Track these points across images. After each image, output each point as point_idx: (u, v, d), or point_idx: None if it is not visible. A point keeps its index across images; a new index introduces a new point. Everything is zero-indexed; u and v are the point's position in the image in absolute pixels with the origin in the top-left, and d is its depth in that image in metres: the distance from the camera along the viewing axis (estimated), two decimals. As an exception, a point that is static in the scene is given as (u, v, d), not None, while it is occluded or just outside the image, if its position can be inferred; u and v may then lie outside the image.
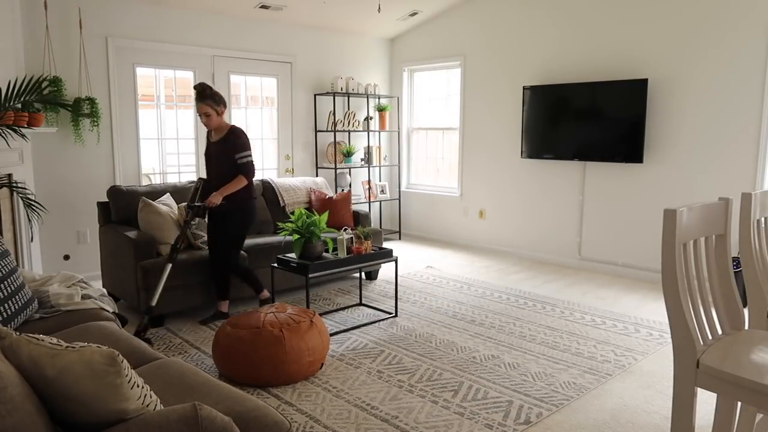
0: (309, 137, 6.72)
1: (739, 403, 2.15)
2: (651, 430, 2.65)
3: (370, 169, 7.24)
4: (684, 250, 1.88)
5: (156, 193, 4.54)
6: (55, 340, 1.41)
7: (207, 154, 4.09)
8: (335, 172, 6.54)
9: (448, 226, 6.98)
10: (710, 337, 1.97)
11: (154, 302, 3.70)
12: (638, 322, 4.10)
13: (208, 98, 3.86)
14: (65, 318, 2.62)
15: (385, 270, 5.58)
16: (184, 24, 5.55)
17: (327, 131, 6.73)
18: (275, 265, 4.00)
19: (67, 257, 5.08)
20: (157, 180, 5.63)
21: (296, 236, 3.85)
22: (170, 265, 3.77)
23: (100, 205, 4.49)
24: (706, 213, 1.99)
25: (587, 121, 5.40)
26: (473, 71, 6.50)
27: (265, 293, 4.23)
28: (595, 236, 5.62)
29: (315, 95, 6.63)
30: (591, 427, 2.66)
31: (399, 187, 7.45)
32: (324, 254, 4.05)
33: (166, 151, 5.65)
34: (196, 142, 5.81)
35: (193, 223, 4.19)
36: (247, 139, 4.02)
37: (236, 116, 6.12)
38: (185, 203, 4.36)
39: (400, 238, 7.32)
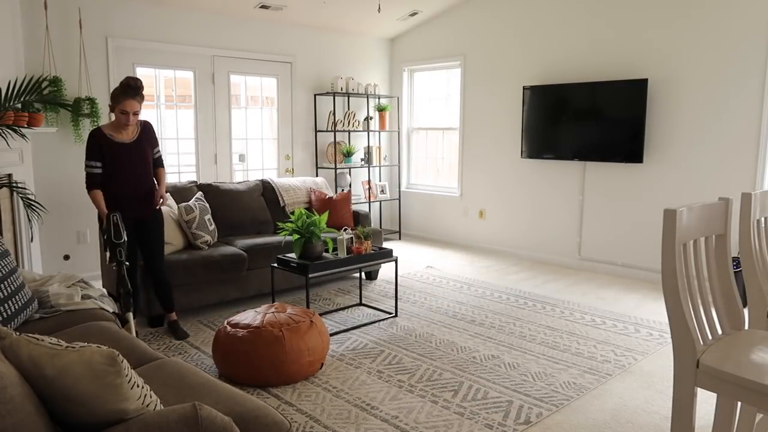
0: (309, 137, 6.72)
1: (739, 403, 2.15)
2: (651, 430, 2.65)
3: (370, 169, 7.24)
4: (684, 250, 1.88)
5: (156, 193, 4.53)
6: (55, 340, 1.41)
7: (117, 162, 3.48)
8: (335, 172, 6.54)
9: (448, 226, 6.98)
10: (710, 337, 1.97)
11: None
12: (638, 322, 4.10)
13: (140, 94, 3.45)
14: (65, 318, 2.62)
15: (385, 270, 5.58)
16: (184, 24, 5.55)
17: (327, 131, 6.73)
18: (275, 265, 4.00)
19: (67, 257, 5.08)
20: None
21: (296, 236, 3.85)
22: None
23: (100, 205, 4.48)
24: (706, 213, 1.99)
25: (587, 121, 5.40)
26: (473, 71, 6.50)
27: (174, 315, 3.85)
28: (595, 236, 5.62)
29: (315, 95, 6.63)
30: (591, 427, 2.66)
31: (399, 187, 7.45)
32: (324, 254, 4.05)
33: (166, 151, 5.65)
34: (195, 142, 5.81)
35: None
36: None
37: (236, 116, 6.12)
38: (184, 203, 4.35)
39: (400, 238, 7.32)
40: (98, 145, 3.45)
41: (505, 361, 3.41)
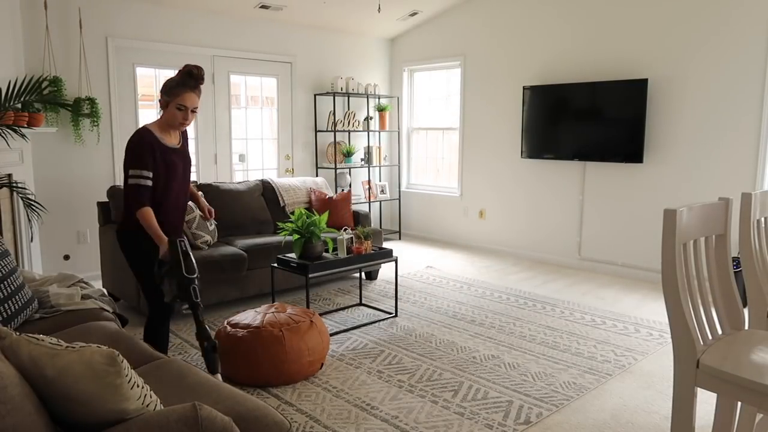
0: (309, 137, 6.72)
1: (739, 403, 2.15)
2: (651, 430, 2.65)
3: (370, 169, 7.24)
4: (684, 250, 1.88)
5: (156, 193, 4.53)
6: (55, 340, 1.41)
7: (172, 167, 2.82)
8: (335, 172, 6.54)
9: (448, 226, 6.98)
10: (710, 337, 1.97)
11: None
12: (638, 322, 4.10)
13: (200, 87, 2.81)
14: (65, 318, 2.62)
15: (385, 270, 5.58)
16: (184, 24, 5.55)
17: (327, 131, 6.73)
18: (275, 265, 4.00)
19: (67, 257, 5.08)
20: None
21: (296, 236, 3.85)
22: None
23: (100, 205, 4.49)
24: (706, 213, 1.99)
25: (587, 121, 5.40)
26: (473, 71, 6.50)
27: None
28: (595, 236, 5.62)
29: (315, 95, 6.63)
30: (591, 427, 2.66)
31: (399, 187, 7.45)
32: (324, 254, 4.05)
33: (166, 151, 5.65)
34: (195, 142, 5.81)
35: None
36: None
37: (236, 116, 6.12)
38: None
39: (400, 238, 7.32)
40: (152, 151, 2.71)
41: (505, 361, 3.41)
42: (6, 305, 2.37)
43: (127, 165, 2.71)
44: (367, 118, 6.94)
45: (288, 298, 4.70)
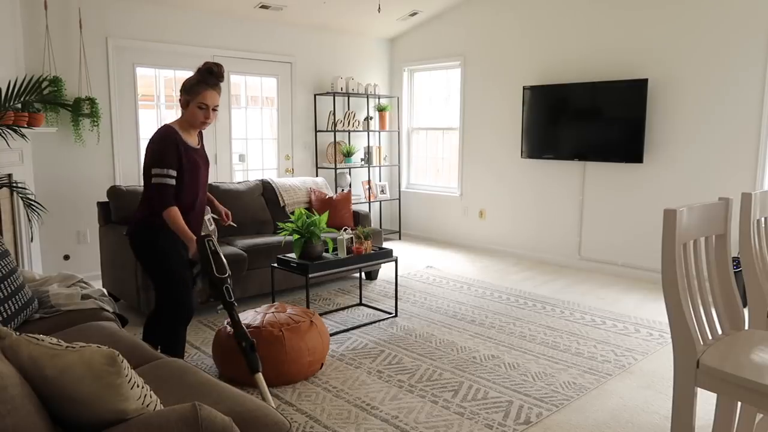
0: (309, 137, 6.72)
1: (739, 403, 2.15)
2: (651, 430, 2.65)
3: (370, 169, 7.24)
4: (684, 250, 1.88)
5: (156, 193, 4.53)
6: (55, 340, 1.41)
7: (195, 167, 2.79)
8: (335, 172, 6.54)
9: (448, 226, 6.98)
10: (710, 337, 1.97)
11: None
12: (638, 322, 4.10)
13: (220, 85, 2.78)
14: (65, 318, 2.62)
15: (385, 270, 5.58)
16: (184, 24, 5.55)
17: (327, 131, 6.73)
18: (275, 265, 4.00)
19: (67, 257, 5.08)
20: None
21: (296, 236, 3.85)
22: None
23: (100, 205, 4.49)
24: (706, 213, 1.99)
25: (587, 121, 5.40)
26: (473, 71, 6.50)
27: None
28: (595, 236, 5.62)
29: (315, 95, 6.63)
30: (591, 427, 2.66)
31: (399, 187, 7.45)
32: (324, 254, 4.05)
33: (166, 151, 5.65)
34: (196, 142, 5.81)
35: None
36: None
37: (236, 116, 6.12)
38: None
39: (400, 238, 7.31)
40: (175, 149, 2.67)
41: (505, 361, 3.41)
42: (6, 305, 2.37)
43: (151, 164, 2.65)
44: (367, 118, 6.94)
45: (288, 298, 4.70)
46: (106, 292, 3.47)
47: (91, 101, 4.88)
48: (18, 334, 1.43)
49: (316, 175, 6.82)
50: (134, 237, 2.79)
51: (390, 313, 4.27)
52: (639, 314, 4.29)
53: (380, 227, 7.50)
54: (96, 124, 4.94)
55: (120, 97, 5.25)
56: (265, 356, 2.99)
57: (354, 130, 6.74)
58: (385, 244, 6.73)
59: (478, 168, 6.58)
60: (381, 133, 7.37)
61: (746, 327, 2.18)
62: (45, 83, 4.43)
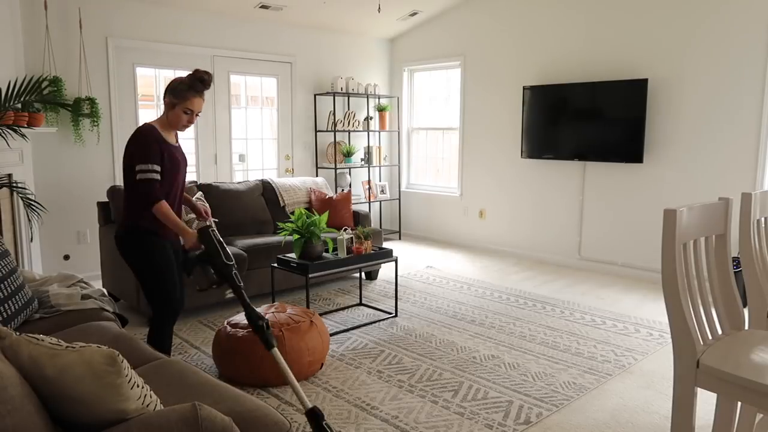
0: (309, 137, 6.72)
1: (739, 403, 2.15)
2: (651, 430, 2.65)
3: (370, 169, 7.24)
4: (684, 250, 1.88)
5: (156, 193, 4.53)
6: (55, 340, 1.41)
7: (176, 164, 2.84)
8: (335, 172, 6.54)
9: (448, 226, 6.98)
10: (710, 337, 1.97)
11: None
12: (638, 322, 4.10)
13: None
14: (65, 318, 2.62)
15: (385, 270, 5.58)
16: (184, 24, 5.55)
17: (327, 131, 6.73)
18: (275, 265, 4.00)
19: (67, 257, 5.08)
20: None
21: (296, 236, 3.85)
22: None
23: (100, 205, 4.49)
24: (706, 213, 1.99)
25: (587, 121, 5.40)
26: (473, 71, 6.50)
27: None
28: (595, 236, 5.62)
29: (315, 95, 6.63)
30: (591, 427, 2.66)
31: (399, 187, 7.45)
32: (324, 254, 4.05)
33: (166, 151, 5.65)
34: (195, 142, 5.81)
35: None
36: None
37: (236, 116, 6.12)
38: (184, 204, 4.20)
39: (400, 238, 7.32)
40: (158, 146, 2.73)
41: (505, 361, 3.41)
42: (6, 305, 2.37)
43: (135, 160, 2.69)
44: (367, 118, 6.94)
45: (288, 298, 4.70)
46: (106, 292, 3.47)
47: (91, 101, 4.88)
48: (18, 334, 1.43)
49: (316, 175, 6.82)
50: (121, 241, 2.82)
51: (390, 313, 4.27)
52: (639, 314, 4.29)
53: (380, 227, 7.50)
54: (96, 124, 4.94)
55: (120, 97, 5.25)
56: (264, 356, 2.99)
57: (354, 130, 6.74)
58: (385, 244, 6.73)
59: (478, 168, 6.58)
60: (381, 133, 7.37)
61: (746, 327, 2.18)
62: (45, 83, 4.43)
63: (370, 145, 7.03)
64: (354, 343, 3.68)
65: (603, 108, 5.27)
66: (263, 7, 5.72)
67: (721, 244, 2.11)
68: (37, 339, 1.40)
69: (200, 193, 4.68)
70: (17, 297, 2.47)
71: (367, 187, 7.04)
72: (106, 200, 4.80)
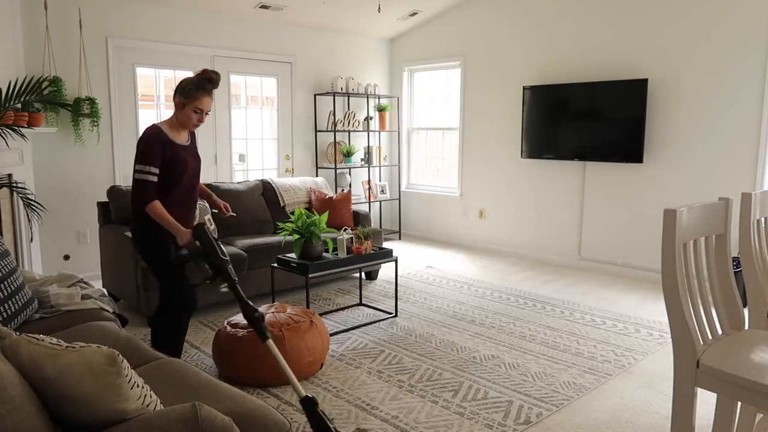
0: (309, 137, 6.72)
1: (739, 403, 2.15)
2: (651, 430, 2.65)
3: (370, 169, 7.24)
4: (684, 250, 1.88)
5: (156, 193, 4.53)
6: (55, 340, 1.41)
7: (183, 163, 2.91)
8: (335, 172, 6.54)
9: (448, 226, 6.98)
10: (710, 337, 1.97)
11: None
12: (638, 322, 4.10)
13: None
14: (65, 318, 2.62)
15: (385, 270, 5.58)
16: (183, 24, 5.55)
17: (327, 131, 6.73)
18: (275, 265, 4.00)
19: (67, 257, 5.08)
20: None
21: (296, 236, 3.85)
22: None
23: (100, 205, 4.49)
24: (706, 213, 1.99)
25: (587, 121, 5.40)
26: (473, 71, 6.50)
27: None
28: (595, 236, 5.62)
29: (315, 95, 6.63)
30: (591, 427, 2.66)
31: (399, 187, 7.45)
32: (324, 254, 4.05)
33: (166, 151, 5.65)
34: (196, 142, 5.81)
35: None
36: None
37: (236, 116, 6.12)
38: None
39: (400, 238, 7.31)
40: (161, 148, 2.79)
41: (505, 361, 3.41)
42: (6, 305, 2.37)
43: (136, 160, 2.79)
44: (367, 118, 6.94)
45: (288, 298, 4.70)
46: (106, 292, 3.47)
47: (91, 101, 4.88)
48: (18, 334, 1.43)
49: (316, 175, 6.82)
50: (136, 236, 2.90)
51: (390, 313, 4.27)
52: (639, 314, 4.29)
53: (380, 227, 7.50)
54: (96, 124, 4.94)
55: (120, 97, 5.25)
56: (264, 356, 2.99)
57: (354, 130, 6.74)
58: (385, 244, 6.73)
59: (478, 168, 6.58)
60: (381, 133, 7.37)
61: (746, 327, 2.18)
62: (45, 83, 4.43)
63: (370, 145, 7.03)
64: (354, 343, 3.68)
65: (603, 108, 5.27)
66: (263, 7, 5.72)
67: (721, 244, 2.11)
68: (37, 339, 1.40)
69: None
70: (17, 297, 2.47)
71: (367, 187, 7.04)
72: (106, 200, 4.80)
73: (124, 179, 5.32)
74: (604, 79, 5.36)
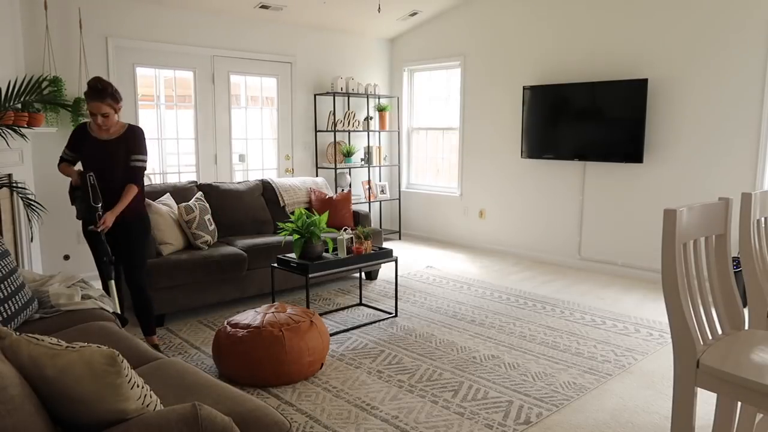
0: (309, 137, 6.72)
1: (739, 403, 2.15)
2: (651, 430, 2.65)
3: (370, 169, 7.24)
4: (684, 250, 1.88)
5: (156, 193, 4.54)
6: (55, 340, 1.41)
7: (89, 155, 3.36)
8: (335, 172, 6.54)
9: (448, 226, 6.98)
10: (710, 337, 1.97)
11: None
12: (638, 322, 4.10)
13: (108, 97, 3.26)
14: (65, 318, 2.62)
15: (385, 270, 5.58)
16: (184, 24, 5.55)
17: (327, 131, 6.73)
18: (275, 265, 4.00)
19: (67, 257, 5.08)
20: (156, 180, 5.63)
21: (296, 236, 3.85)
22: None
23: (100, 205, 4.49)
24: (706, 213, 1.99)
25: (587, 121, 5.40)
26: (473, 71, 6.50)
27: (155, 338, 3.59)
28: (595, 236, 5.62)
29: (315, 95, 6.63)
30: (591, 427, 2.66)
31: (399, 187, 7.45)
32: (324, 254, 4.05)
33: (166, 152, 5.66)
34: (195, 142, 5.81)
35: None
36: (146, 142, 3.48)
37: (236, 116, 6.12)
38: (184, 203, 4.32)
39: (400, 238, 7.32)
40: (75, 136, 3.42)
41: (505, 361, 3.41)
42: (6, 305, 2.37)
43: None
44: (367, 118, 6.94)
45: (288, 298, 4.70)
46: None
47: (91, 101, 4.87)
48: (18, 334, 1.43)
49: (316, 175, 6.82)
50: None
51: (390, 313, 4.27)
52: (639, 314, 4.29)
53: (380, 227, 7.50)
54: (96, 124, 4.94)
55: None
56: (264, 356, 2.99)
57: (354, 130, 6.74)
58: (385, 244, 6.73)
59: (478, 168, 6.58)
60: (381, 133, 7.37)
61: (746, 327, 2.19)
62: (45, 83, 4.43)
63: (370, 145, 7.03)
64: (354, 343, 3.68)
65: (603, 108, 5.27)
66: (263, 7, 5.72)
67: (721, 244, 2.11)
68: (37, 339, 1.40)
69: (200, 192, 4.68)
70: (17, 297, 2.47)
71: (367, 187, 7.04)
72: (106, 200, 4.80)
73: (124, 179, 5.31)
74: (604, 79, 5.36)
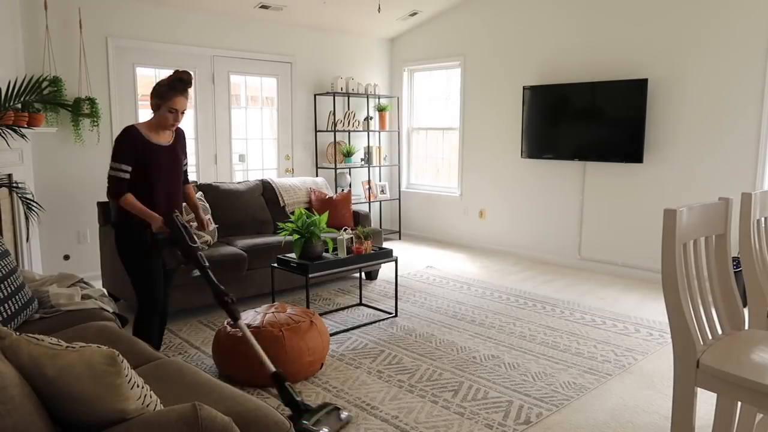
0: (309, 137, 6.72)
1: (739, 403, 2.15)
2: (651, 430, 2.65)
3: (370, 169, 7.24)
4: (684, 250, 1.88)
5: (156, 193, 4.53)
6: (55, 340, 1.41)
7: (153, 167, 2.93)
8: (335, 172, 6.54)
9: (448, 226, 6.98)
10: (710, 337, 1.97)
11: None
12: (638, 322, 4.10)
13: (188, 90, 2.98)
14: (65, 318, 2.62)
15: (385, 270, 5.58)
16: (184, 24, 5.55)
17: (327, 131, 6.73)
18: (275, 265, 4.00)
19: (67, 257, 5.08)
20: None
21: (296, 236, 3.85)
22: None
23: (100, 205, 4.49)
24: (706, 213, 1.99)
25: (587, 121, 5.40)
26: (473, 71, 6.50)
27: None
28: (595, 236, 5.62)
29: (315, 95, 6.63)
30: (591, 427, 2.66)
31: (399, 187, 7.45)
32: (324, 254, 4.05)
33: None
34: (195, 142, 5.81)
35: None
36: None
37: (236, 116, 6.12)
38: (184, 204, 4.29)
39: (400, 238, 7.31)
40: (132, 147, 2.87)
41: (505, 361, 3.41)
42: (6, 305, 2.37)
43: (111, 159, 2.91)
44: (367, 118, 6.94)
45: (288, 298, 4.70)
46: (106, 292, 3.47)
47: (91, 101, 4.88)
48: (18, 334, 1.43)
49: (316, 175, 6.82)
50: (115, 237, 3.02)
51: (390, 313, 4.27)
52: (639, 314, 4.29)
53: (380, 227, 7.50)
54: (96, 124, 4.95)
55: (120, 97, 5.25)
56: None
57: (354, 130, 6.74)
58: (385, 244, 6.73)
59: (478, 168, 6.58)
60: (381, 133, 7.37)
61: (746, 327, 2.18)
62: (45, 83, 4.42)
63: (370, 145, 7.03)
64: (354, 343, 3.68)
65: (603, 108, 5.27)
66: (263, 7, 5.72)
67: (721, 244, 2.11)
68: (37, 339, 1.40)
69: (200, 192, 4.68)
70: (17, 297, 2.47)
71: (367, 187, 7.04)
72: (106, 200, 4.80)
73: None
74: (604, 79, 5.36)
